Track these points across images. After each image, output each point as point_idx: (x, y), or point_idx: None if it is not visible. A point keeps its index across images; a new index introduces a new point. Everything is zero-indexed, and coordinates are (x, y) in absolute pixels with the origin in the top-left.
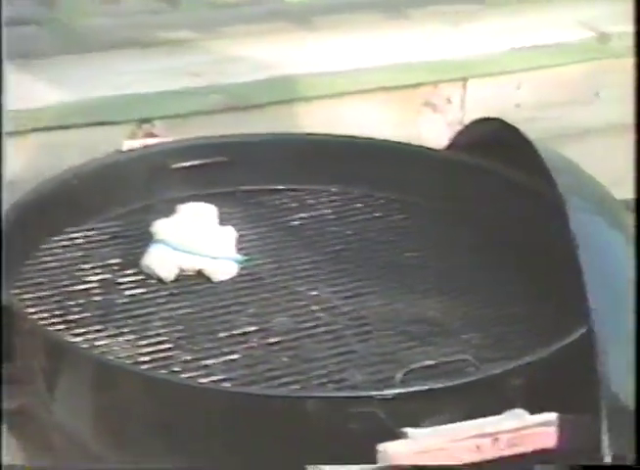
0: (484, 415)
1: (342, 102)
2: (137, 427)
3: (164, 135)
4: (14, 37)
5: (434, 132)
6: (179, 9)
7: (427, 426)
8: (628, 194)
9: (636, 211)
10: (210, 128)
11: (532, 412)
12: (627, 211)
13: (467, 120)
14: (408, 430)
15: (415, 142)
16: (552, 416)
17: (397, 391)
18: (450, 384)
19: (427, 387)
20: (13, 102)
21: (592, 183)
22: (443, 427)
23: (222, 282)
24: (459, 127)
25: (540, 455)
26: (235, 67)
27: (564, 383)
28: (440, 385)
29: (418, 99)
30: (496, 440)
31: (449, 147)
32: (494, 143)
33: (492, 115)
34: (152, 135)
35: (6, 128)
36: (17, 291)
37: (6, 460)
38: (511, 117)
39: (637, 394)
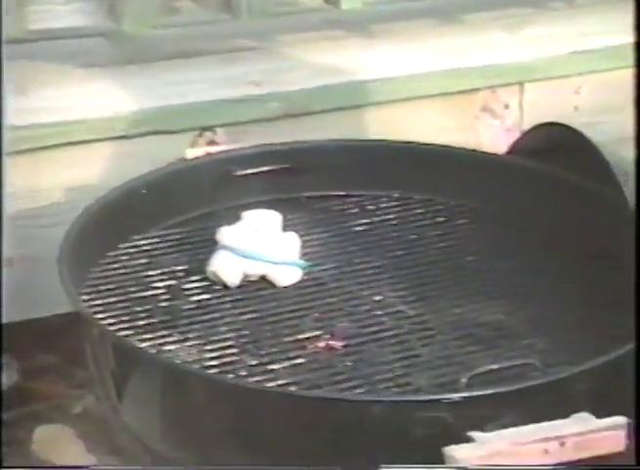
0: (550, 419)
1: (401, 108)
2: (203, 430)
3: (226, 143)
4: (80, 48)
5: (493, 137)
6: (239, 18)
7: (493, 430)
8: None
9: (636, 212)
10: (270, 136)
11: (600, 417)
12: None
13: (525, 125)
14: (474, 434)
15: (474, 147)
16: (621, 420)
17: (464, 394)
18: (517, 388)
19: (493, 390)
20: (77, 111)
21: None
22: (510, 430)
23: (286, 287)
24: (517, 132)
25: (607, 459)
26: (294, 74)
27: (629, 387)
28: (507, 388)
29: (476, 104)
30: (563, 443)
31: (509, 152)
32: (556, 148)
33: (550, 119)
34: (214, 143)
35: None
36: (85, 297)
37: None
38: (569, 122)
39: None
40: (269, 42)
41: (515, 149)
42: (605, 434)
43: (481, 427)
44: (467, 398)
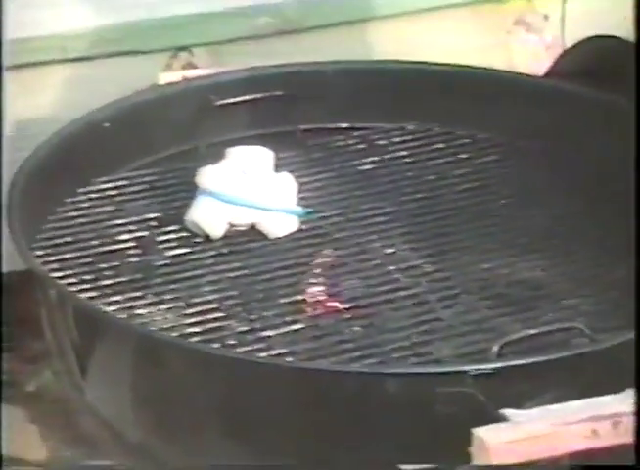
0: (600, 395)
1: (416, 21)
2: (183, 411)
3: (206, 66)
4: None
5: (530, 57)
6: None
7: (531, 407)
8: None
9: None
10: (260, 56)
11: None
12: None
13: (568, 41)
14: (509, 412)
15: (505, 68)
16: None
17: (495, 365)
18: (559, 356)
19: (530, 360)
20: (22, 28)
21: None
22: (551, 408)
23: (281, 239)
24: (559, 49)
25: None
26: None
27: None
28: (547, 358)
29: (508, 16)
30: (617, 423)
31: (548, 74)
32: (606, 67)
33: (599, 32)
34: (191, 66)
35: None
36: (39, 252)
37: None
38: (622, 35)
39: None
40: None
41: (556, 70)
42: None
43: (517, 404)
44: (499, 369)
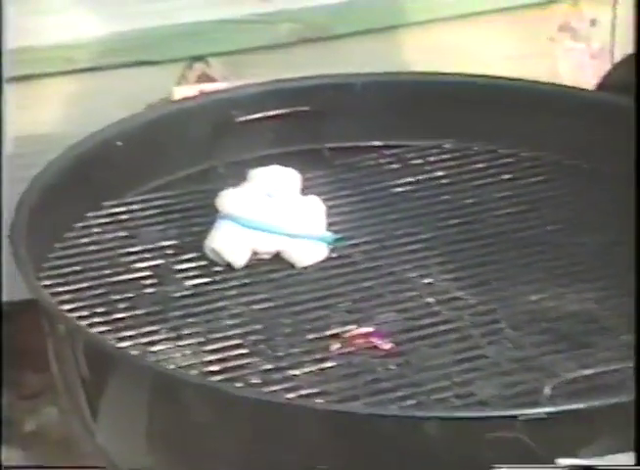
0: None
1: (451, 29)
2: (203, 454)
3: (223, 77)
4: None
5: (576, 66)
6: None
7: (588, 456)
8: None
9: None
10: (282, 67)
11: None
12: None
13: (619, 50)
14: (564, 461)
15: (549, 80)
16: None
17: (548, 409)
18: (619, 401)
19: (587, 404)
20: (25, 36)
21: None
22: (611, 457)
23: (308, 268)
24: (608, 59)
25: None
26: None
27: None
28: (605, 401)
29: (551, 22)
30: None
31: (600, 86)
32: None
33: None
34: (207, 78)
35: (22, 71)
36: (46, 282)
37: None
38: None
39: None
40: None
41: (606, 82)
42: None
43: (573, 452)
44: (552, 413)
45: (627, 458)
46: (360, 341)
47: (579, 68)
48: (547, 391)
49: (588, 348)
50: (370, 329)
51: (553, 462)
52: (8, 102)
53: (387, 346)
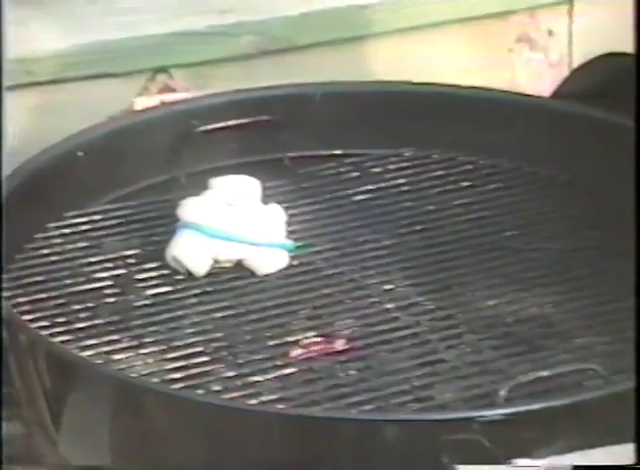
0: (620, 442)
1: (411, 39)
2: (169, 461)
3: (185, 89)
4: None
5: (534, 76)
6: None
7: (543, 456)
8: None
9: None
10: (243, 79)
11: None
12: None
13: (576, 59)
14: (519, 462)
15: (508, 89)
16: None
17: (504, 411)
18: (574, 400)
19: (543, 405)
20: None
21: None
22: (566, 457)
23: (269, 276)
24: (565, 68)
25: None
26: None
27: None
28: (560, 402)
29: (510, 33)
30: None
31: (556, 95)
32: (619, 88)
33: (609, 49)
34: (169, 89)
35: None
36: (8, 293)
37: None
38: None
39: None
40: None
41: (562, 90)
42: None
43: (528, 453)
44: (509, 415)
45: (603, 454)
46: (320, 347)
47: (538, 77)
48: (503, 393)
49: (545, 351)
50: (330, 335)
51: (509, 463)
52: None
53: (346, 351)
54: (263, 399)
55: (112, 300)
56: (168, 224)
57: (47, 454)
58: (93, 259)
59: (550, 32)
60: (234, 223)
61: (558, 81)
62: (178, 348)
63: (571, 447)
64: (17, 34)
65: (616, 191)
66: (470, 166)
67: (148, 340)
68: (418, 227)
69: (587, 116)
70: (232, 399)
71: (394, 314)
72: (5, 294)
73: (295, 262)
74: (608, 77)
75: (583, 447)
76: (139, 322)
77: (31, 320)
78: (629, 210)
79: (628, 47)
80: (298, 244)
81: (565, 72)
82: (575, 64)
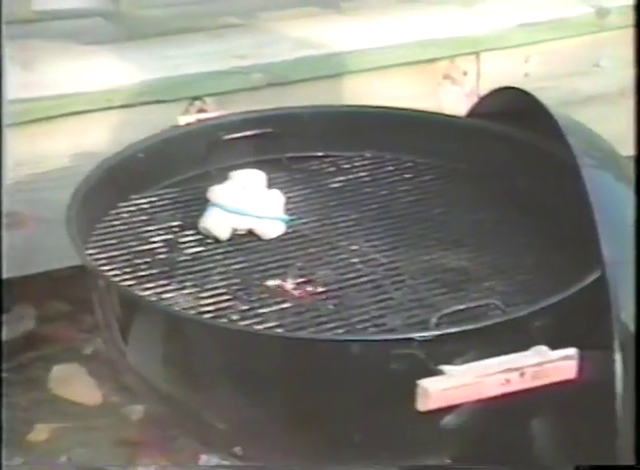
0: (511, 353)
1: (372, 77)
2: (200, 369)
3: (214, 110)
4: (81, 28)
5: (454, 102)
6: None
7: (460, 364)
8: (628, 152)
9: (636, 206)
10: (254, 103)
11: (554, 349)
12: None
13: (482, 91)
14: (444, 367)
15: (436, 110)
16: (572, 351)
17: (435, 333)
18: (480, 325)
19: (460, 329)
20: (79, 84)
21: (601, 142)
22: (475, 364)
23: (271, 240)
24: (476, 97)
25: (562, 387)
26: (275, 48)
27: (580, 323)
28: (472, 326)
29: (438, 73)
30: (523, 374)
31: (469, 115)
32: (511, 110)
33: (504, 85)
34: (203, 111)
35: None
36: (91, 252)
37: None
38: (521, 87)
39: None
40: (253, 19)
41: (474, 112)
42: (559, 364)
43: (450, 361)
44: (437, 335)
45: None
46: (308, 289)
47: (457, 103)
48: (434, 320)
49: (462, 291)
50: (314, 281)
51: (438, 369)
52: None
53: (325, 293)
54: (268, 325)
55: (162, 256)
56: (201, 204)
57: (118, 361)
58: (150, 228)
59: (465, 73)
60: (247, 203)
61: (470, 105)
62: (208, 290)
63: (479, 357)
64: (100, 74)
65: (509, 179)
66: (411, 164)
67: (187, 284)
68: (375, 205)
69: (489, 129)
70: (246, 325)
71: (359, 267)
72: (89, 252)
73: (289, 231)
74: (501, 104)
75: (488, 357)
76: (181, 272)
77: (107, 270)
78: (520, 192)
79: (517, 83)
80: (292, 218)
81: (475, 100)
82: (482, 93)
